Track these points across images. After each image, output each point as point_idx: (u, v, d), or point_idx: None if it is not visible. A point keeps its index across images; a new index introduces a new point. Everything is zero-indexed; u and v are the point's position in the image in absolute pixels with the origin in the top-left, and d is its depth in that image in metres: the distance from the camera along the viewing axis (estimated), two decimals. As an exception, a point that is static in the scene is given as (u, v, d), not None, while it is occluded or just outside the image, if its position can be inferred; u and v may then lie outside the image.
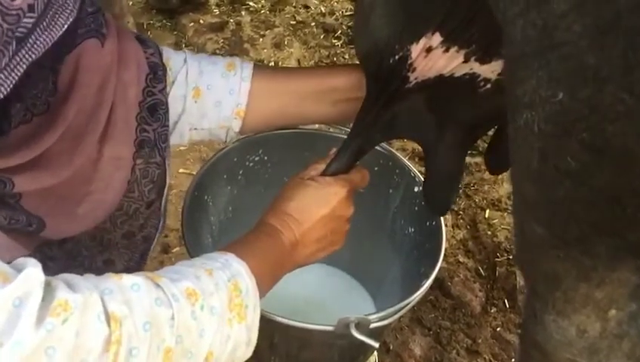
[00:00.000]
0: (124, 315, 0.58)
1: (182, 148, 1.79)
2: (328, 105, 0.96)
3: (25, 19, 0.59)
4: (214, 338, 0.66)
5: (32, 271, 0.55)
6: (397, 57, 0.74)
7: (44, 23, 0.61)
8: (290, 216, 0.84)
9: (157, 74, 0.84)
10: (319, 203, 0.86)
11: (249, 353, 0.73)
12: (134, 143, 0.82)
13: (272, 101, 0.95)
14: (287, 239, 0.83)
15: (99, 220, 0.81)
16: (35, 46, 0.61)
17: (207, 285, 0.67)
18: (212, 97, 0.92)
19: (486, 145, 0.97)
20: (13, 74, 0.59)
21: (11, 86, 0.60)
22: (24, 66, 0.60)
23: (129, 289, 0.61)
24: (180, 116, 0.91)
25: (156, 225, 0.90)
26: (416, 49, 0.73)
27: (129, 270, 0.88)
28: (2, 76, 0.59)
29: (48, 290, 0.55)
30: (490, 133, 0.94)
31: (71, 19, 0.63)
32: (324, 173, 0.90)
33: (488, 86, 0.76)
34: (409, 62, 0.74)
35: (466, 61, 0.73)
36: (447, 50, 0.72)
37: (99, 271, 0.84)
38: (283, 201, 0.85)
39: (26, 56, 0.60)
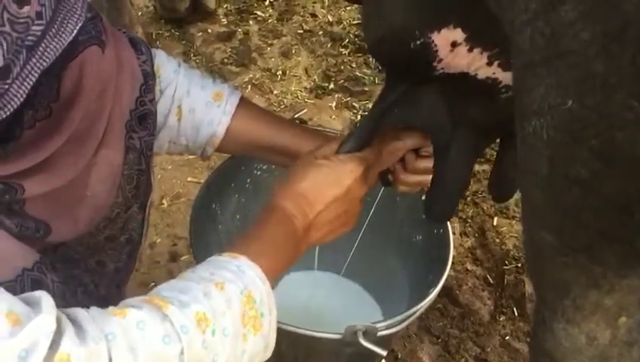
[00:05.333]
0: None
1: (190, 157, 1.80)
2: (293, 161, 0.97)
3: (34, 27, 0.59)
4: (228, 358, 0.65)
5: (43, 320, 0.54)
6: (418, 43, 0.73)
7: (53, 30, 0.61)
8: (303, 198, 0.81)
9: (148, 83, 0.85)
10: (333, 183, 0.82)
11: (268, 355, 0.72)
12: (122, 150, 0.82)
13: (242, 144, 0.97)
14: (301, 224, 0.80)
15: (94, 223, 0.82)
16: (46, 54, 0.61)
17: (218, 304, 0.65)
18: (192, 121, 0.93)
19: (495, 153, 0.96)
20: (25, 83, 0.60)
21: (24, 96, 0.60)
22: (36, 75, 0.60)
23: (134, 329, 0.59)
24: (161, 128, 0.92)
25: (137, 229, 0.90)
26: (438, 38, 0.72)
27: (119, 270, 0.89)
28: (15, 86, 0.59)
29: (56, 336, 0.54)
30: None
31: (79, 25, 0.63)
32: (337, 152, 0.87)
33: (509, 94, 0.76)
34: (434, 49, 0.74)
35: (489, 64, 0.72)
36: (471, 50, 0.72)
37: (94, 273, 0.85)
38: (296, 181, 0.82)
39: (37, 64, 0.60)
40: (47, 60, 0.61)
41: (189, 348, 0.60)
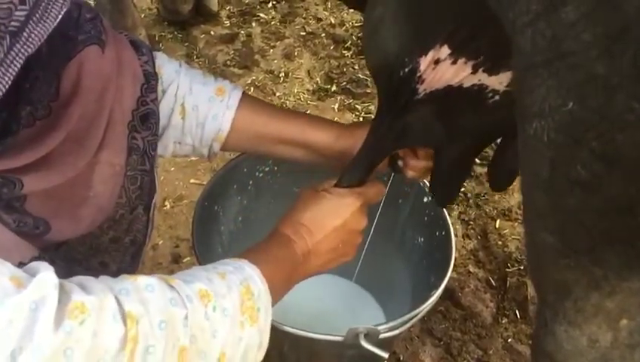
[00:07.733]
0: (141, 314, 0.59)
1: (193, 158, 1.80)
2: (301, 153, 0.99)
3: (17, 12, 0.58)
4: (227, 339, 0.67)
5: (46, 275, 0.55)
6: (406, 70, 0.75)
7: (37, 15, 0.60)
8: (303, 226, 0.84)
9: (150, 83, 0.85)
10: (332, 214, 0.86)
11: (260, 356, 0.74)
12: (125, 150, 0.83)
13: (248, 138, 0.97)
14: (300, 249, 0.83)
15: (97, 224, 0.82)
16: (30, 39, 0.60)
17: (219, 287, 0.68)
18: (197, 118, 0.93)
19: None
20: (10, 70, 0.59)
21: (10, 82, 0.59)
22: (21, 61, 0.59)
23: (144, 290, 0.62)
24: (165, 129, 0.92)
25: (142, 230, 0.91)
26: (424, 61, 0.73)
27: (121, 271, 0.89)
28: (0, 73, 0.59)
29: (63, 293, 0.56)
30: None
31: (64, 9, 0.62)
32: (337, 185, 0.90)
33: (497, 97, 0.76)
34: (418, 74, 0.75)
35: (474, 72, 0.73)
36: (455, 62, 0.72)
37: (96, 272, 0.86)
38: (297, 211, 0.86)
39: (22, 50, 0.59)
40: (32, 46, 0.60)
41: (192, 315, 0.63)
